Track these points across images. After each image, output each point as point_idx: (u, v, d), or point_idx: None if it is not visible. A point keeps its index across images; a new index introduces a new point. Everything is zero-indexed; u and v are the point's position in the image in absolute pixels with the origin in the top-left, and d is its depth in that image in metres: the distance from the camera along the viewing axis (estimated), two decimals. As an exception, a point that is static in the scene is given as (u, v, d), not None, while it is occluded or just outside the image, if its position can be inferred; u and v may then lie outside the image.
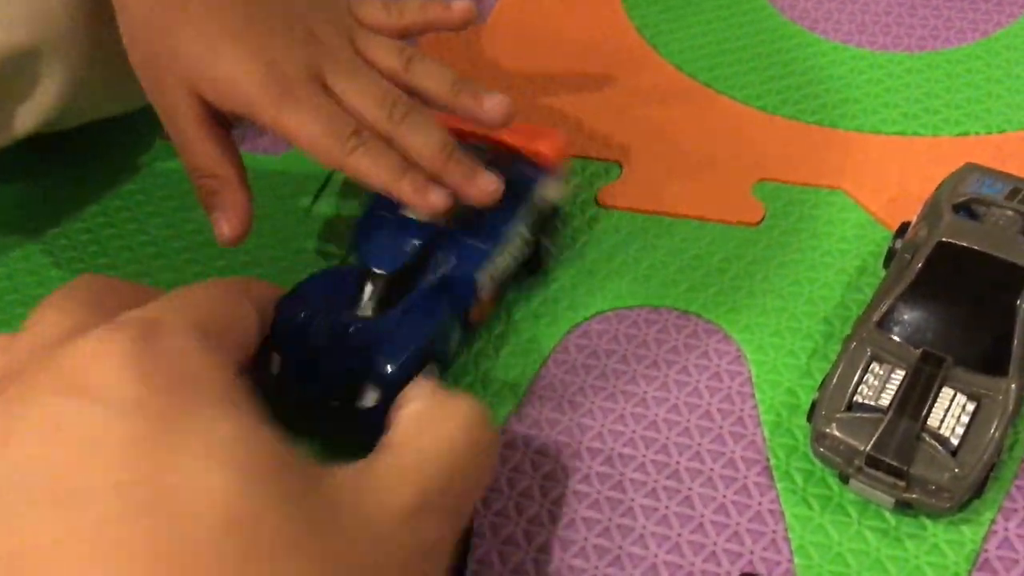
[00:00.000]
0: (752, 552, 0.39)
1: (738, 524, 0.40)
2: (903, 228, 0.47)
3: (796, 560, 0.39)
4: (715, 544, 0.39)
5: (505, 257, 0.46)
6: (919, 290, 0.41)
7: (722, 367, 0.46)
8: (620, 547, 0.39)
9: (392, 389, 0.37)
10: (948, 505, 0.37)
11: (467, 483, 0.34)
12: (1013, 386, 0.38)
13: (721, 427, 0.43)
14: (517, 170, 0.48)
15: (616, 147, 0.57)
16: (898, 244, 0.46)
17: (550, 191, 0.49)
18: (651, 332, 0.48)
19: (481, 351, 0.47)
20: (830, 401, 0.40)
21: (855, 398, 0.39)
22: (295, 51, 0.43)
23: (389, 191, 0.43)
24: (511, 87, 0.61)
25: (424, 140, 0.43)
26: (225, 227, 0.45)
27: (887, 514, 0.39)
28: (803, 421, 0.42)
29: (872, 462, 0.38)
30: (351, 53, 0.45)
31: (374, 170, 0.43)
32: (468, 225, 0.45)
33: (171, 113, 0.45)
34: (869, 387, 0.39)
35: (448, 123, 0.47)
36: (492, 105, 0.46)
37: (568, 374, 0.46)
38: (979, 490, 0.38)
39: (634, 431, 0.44)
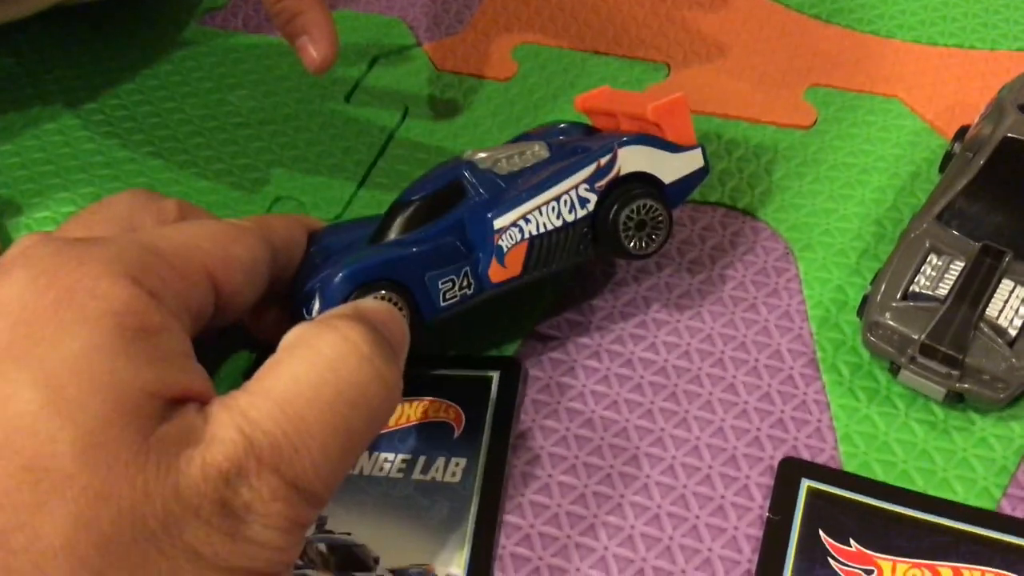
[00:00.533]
0: (796, 439, 0.38)
1: (782, 412, 0.39)
2: (961, 132, 0.45)
3: (841, 448, 0.38)
4: (759, 430, 0.39)
5: (548, 215, 0.38)
6: (981, 185, 0.40)
7: (769, 263, 0.45)
8: (663, 428, 0.39)
9: (329, 302, 0.35)
10: (1002, 396, 0.37)
11: (325, 432, 0.28)
12: None
13: (767, 320, 0.43)
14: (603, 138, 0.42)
15: (664, 49, 0.56)
16: (956, 148, 0.45)
17: (639, 161, 0.40)
18: (696, 228, 0.47)
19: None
20: (885, 291, 0.39)
21: (911, 288, 0.38)
22: None
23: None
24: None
25: None
26: (312, 51, 0.42)
27: (935, 407, 0.39)
28: (852, 317, 0.42)
29: (927, 351, 0.37)
30: None
31: None
32: (519, 175, 0.40)
33: None
34: (927, 278, 0.39)
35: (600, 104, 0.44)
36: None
37: (610, 266, 0.46)
38: None
39: (679, 320, 0.43)
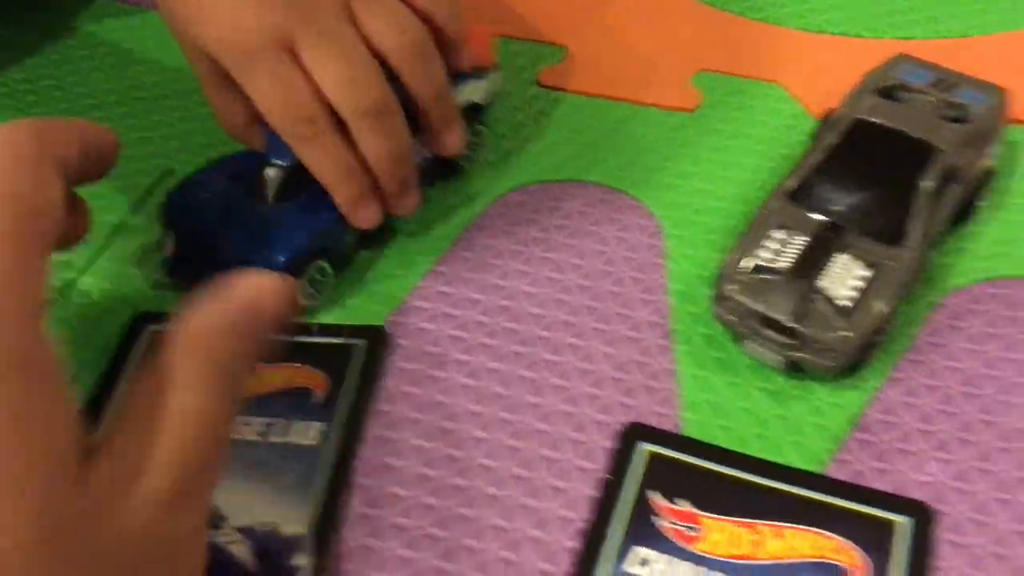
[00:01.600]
0: (644, 406, 0.40)
1: (634, 380, 0.41)
2: (829, 115, 0.47)
3: (686, 414, 0.40)
4: (608, 396, 0.40)
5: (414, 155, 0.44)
6: (831, 164, 0.42)
7: (641, 241, 0.46)
8: (519, 396, 0.41)
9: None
10: (834, 364, 0.38)
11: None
12: (908, 256, 0.39)
13: (631, 294, 0.44)
14: None
15: (561, 31, 0.57)
16: (817, 129, 0.47)
17: (468, 92, 0.48)
18: (575, 205, 0.48)
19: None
20: (732, 265, 0.40)
21: (756, 262, 0.40)
22: (269, 12, 0.40)
23: (327, 188, 0.42)
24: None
25: (380, 145, 0.42)
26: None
27: (777, 377, 0.40)
28: (709, 291, 0.43)
29: (766, 322, 0.39)
30: (333, 18, 0.41)
31: (318, 165, 0.41)
32: None
33: (195, 74, 0.44)
34: (771, 252, 0.40)
35: None
36: (451, 141, 0.46)
37: (489, 238, 0.47)
38: (865, 355, 0.39)
39: (547, 294, 0.44)
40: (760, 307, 0.39)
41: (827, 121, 0.46)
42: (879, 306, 0.38)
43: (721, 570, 0.35)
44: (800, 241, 0.40)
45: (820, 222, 0.40)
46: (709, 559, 0.35)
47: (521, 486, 0.38)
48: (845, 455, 0.38)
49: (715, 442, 0.39)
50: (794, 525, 0.36)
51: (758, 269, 0.40)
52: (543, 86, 0.54)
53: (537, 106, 0.53)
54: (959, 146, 0.42)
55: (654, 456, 0.38)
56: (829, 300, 0.38)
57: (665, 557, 0.35)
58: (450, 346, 0.42)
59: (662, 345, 0.42)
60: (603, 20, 0.58)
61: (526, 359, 0.42)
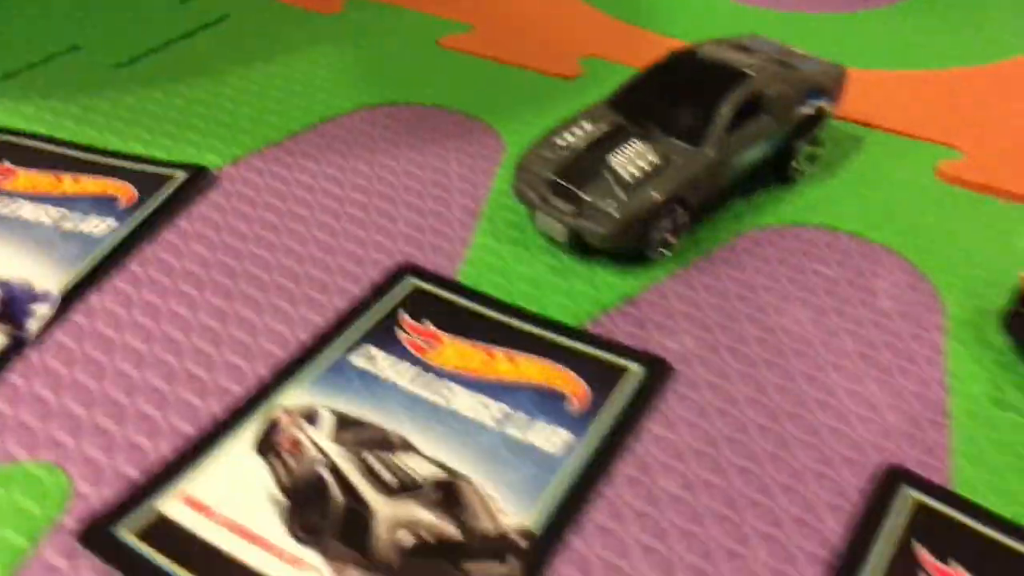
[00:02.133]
0: (429, 260, 0.41)
1: (431, 241, 0.42)
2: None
3: (464, 268, 0.40)
4: (400, 250, 0.41)
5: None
6: (651, 82, 0.44)
7: (483, 158, 0.48)
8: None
9: None
10: (604, 231, 0.39)
11: None
12: (700, 157, 0.41)
13: (454, 192, 0.46)
14: None
15: (469, 11, 0.62)
16: None
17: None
18: (433, 126, 0.51)
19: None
20: (536, 145, 0.42)
21: (557, 142, 0.42)
22: None
23: None
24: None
25: None
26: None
27: (565, 257, 0.41)
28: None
29: (554, 187, 0.40)
30: None
31: None
32: None
33: None
34: (573, 135, 0.42)
35: None
36: None
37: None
38: (639, 237, 0.40)
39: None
40: (548, 173, 0.40)
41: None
42: (655, 191, 0.39)
43: (449, 378, 0.34)
44: (602, 127, 0.42)
45: (624, 116, 0.42)
46: (437, 368, 0.35)
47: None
48: (605, 319, 0.38)
49: (483, 290, 0.39)
50: (525, 354, 0.35)
51: (560, 148, 0.41)
52: (442, 47, 0.58)
53: (439, 63, 0.57)
54: (771, 79, 0.44)
55: (416, 289, 0.38)
56: (614, 174, 0.40)
57: (401, 363, 0.35)
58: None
59: (466, 222, 0.43)
60: (508, 7, 0.63)
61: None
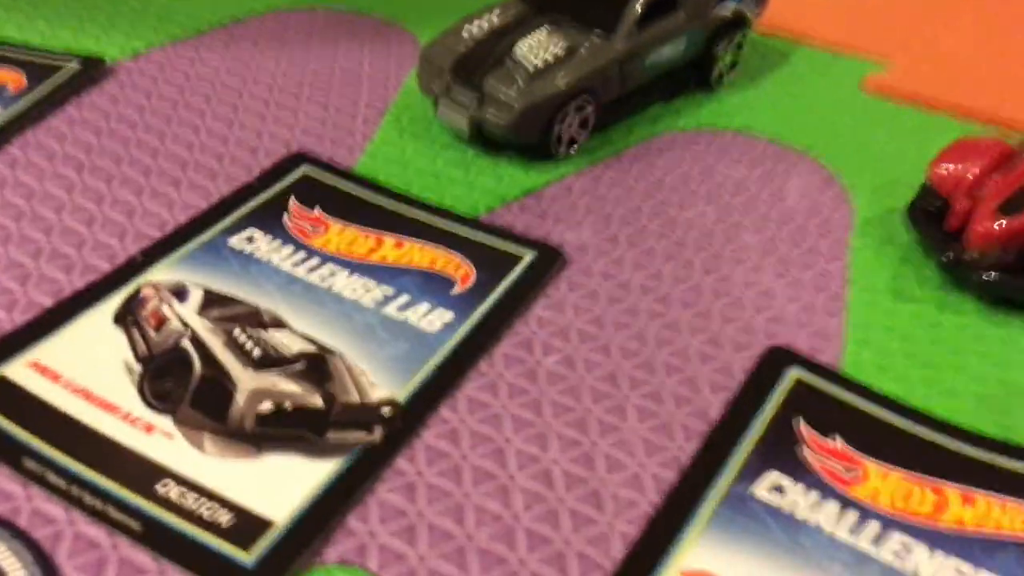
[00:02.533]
0: (327, 150, 0.39)
1: (332, 136, 0.40)
2: None
3: (363, 159, 0.39)
4: (299, 142, 0.40)
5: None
6: None
7: (391, 55, 0.47)
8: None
9: None
10: (506, 122, 0.37)
11: None
12: (607, 46, 0.39)
13: (363, 91, 0.44)
14: None
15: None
16: None
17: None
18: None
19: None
20: (442, 35, 0.40)
21: (463, 33, 0.40)
22: None
23: None
24: None
25: None
26: None
27: (469, 151, 0.40)
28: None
29: (455, 76, 0.38)
30: None
31: None
32: None
33: None
34: (479, 26, 0.40)
35: None
36: None
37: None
38: (541, 128, 0.38)
39: (286, 78, 0.44)
40: (450, 61, 0.39)
41: None
42: (559, 80, 0.38)
43: (332, 261, 0.32)
44: (509, 16, 0.40)
45: (535, 6, 0.41)
46: (320, 251, 0.33)
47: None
48: (503, 211, 0.37)
49: (378, 180, 0.38)
50: (414, 239, 0.34)
51: (461, 37, 0.40)
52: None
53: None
54: None
55: (307, 178, 0.37)
56: (517, 63, 0.38)
57: (284, 247, 0.33)
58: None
59: (369, 119, 0.42)
60: None
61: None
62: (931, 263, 0.36)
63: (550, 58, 0.39)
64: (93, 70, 0.42)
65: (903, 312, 0.33)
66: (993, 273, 0.33)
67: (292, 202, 0.35)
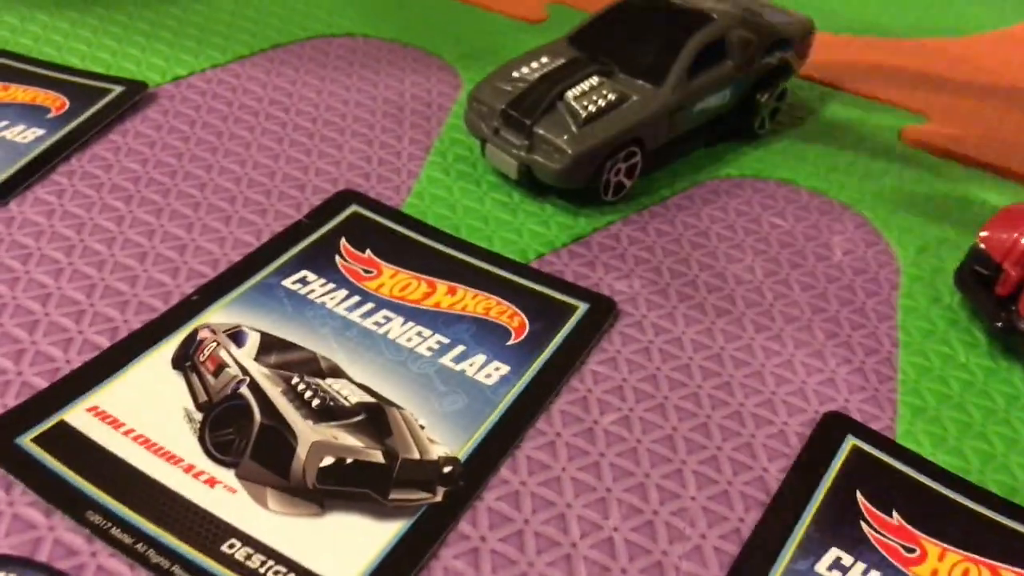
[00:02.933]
0: (374, 189, 0.39)
1: (378, 172, 0.40)
2: None
3: (411, 199, 0.38)
4: (345, 178, 0.39)
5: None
6: (614, 22, 0.43)
7: (440, 86, 0.47)
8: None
9: None
10: (558, 166, 0.37)
11: None
12: (657, 96, 0.39)
13: (406, 125, 0.44)
14: None
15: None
16: None
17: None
18: (385, 58, 0.49)
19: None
20: (491, 76, 0.40)
21: (513, 74, 0.40)
22: None
23: None
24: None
25: None
26: None
27: (516, 194, 0.39)
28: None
29: (506, 118, 0.38)
30: None
31: None
32: None
33: None
34: (529, 68, 0.40)
35: None
36: None
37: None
38: (591, 174, 0.38)
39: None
40: (501, 104, 0.39)
41: None
42: (610, 127, 0.38)
43: (386, 306, 0.32)
44: (559, 61, 0.40)
45: (584, 52, 0.41)
46: (374, 295, 0.33)
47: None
48: (553, 258, 0.37)
49: (427, 221, 0.37)
50: (467, 286, 0.34)
51: (511, 79, 0.40)
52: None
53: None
54: (736, 24, 0.42)
55: (357, 216, 0.37)
56: (570, 109, 0.38)
57: (337, 288, 0.33)
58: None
59: (415, 155, 0.41)
60: None
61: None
62: (979, 327, 0.36)
63: (602, 103, 0.39)
64: (136, 95, 0.42)
65: (955, 380, 0.34)
66: None
67: (343, 243, 0.35)
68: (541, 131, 0.38)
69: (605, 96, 0.39)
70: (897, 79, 0.52)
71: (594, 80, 0.40)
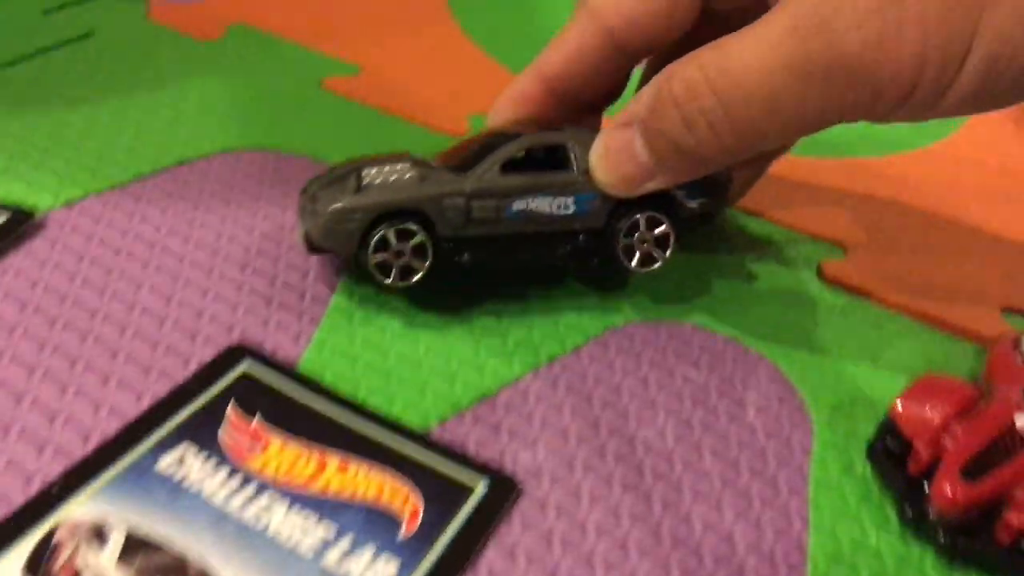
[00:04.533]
0: (271, 338, 0.37)
1: (278, 318, 0.38)
2: None
3: (309, 352, 0.36)
4: (242, 325, 0.37)
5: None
6: (460, 143, 0.41)
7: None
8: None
9: None
10: (319, 223, 0.37)
11: None
12: (461, 177, 0.37)
13: (312, 258, 0.42)
14: None
15: (358, 51, 0.59)
16: None
17: None
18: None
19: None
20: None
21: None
22: None
23: None
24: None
25: None
26: None
27: (421, 346, 0.38)
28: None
29: (302, 192, 0.39)
30: None
31: None
32: None
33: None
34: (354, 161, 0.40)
35: None
36: None
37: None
38: (360, 246, 0.36)
39: (231, 236, 0.42)
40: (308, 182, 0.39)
41: None
42: (380, 193, 0.37)
43: (271, 489, 0.30)
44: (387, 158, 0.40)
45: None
46: (257, 477, 0.31)
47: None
48: (456, 422, 0.35)
49: (327, 380, 0.35)
50: (360, 460, 0.32)
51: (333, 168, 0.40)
52: (327, 90, 0.55)
53: (320, 106, 0.53)
54: (585, 136, 0.39)
55: (247, 376, 0.35)
56: (357, 179, 0.38)
57: (217, 470, 0.31)
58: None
59: (318, 295, 0.39)
60: (396, 47, 0.61)
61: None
62: (892, 503, 0.35)
63: (391, 179, 0.38)
64: (21, 223, 0.39)
65: (865, 568, 0.32)
66: (956, 538, 0.32)
67: (230, 410, 0.33)
68: (320, 194, 0.38)
69: (400, 173, 0.38)
70: (817, 203, 0.52)
71: (400, 165, 0.38)
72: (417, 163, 0.39)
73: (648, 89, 0.35)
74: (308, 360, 0.36)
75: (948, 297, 0.46)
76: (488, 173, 0.38)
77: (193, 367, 0.35)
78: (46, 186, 0.43)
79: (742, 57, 0.32)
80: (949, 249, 0.50)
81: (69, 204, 0.42)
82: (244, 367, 0.35)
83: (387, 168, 0.38)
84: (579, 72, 0.41)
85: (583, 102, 0.43)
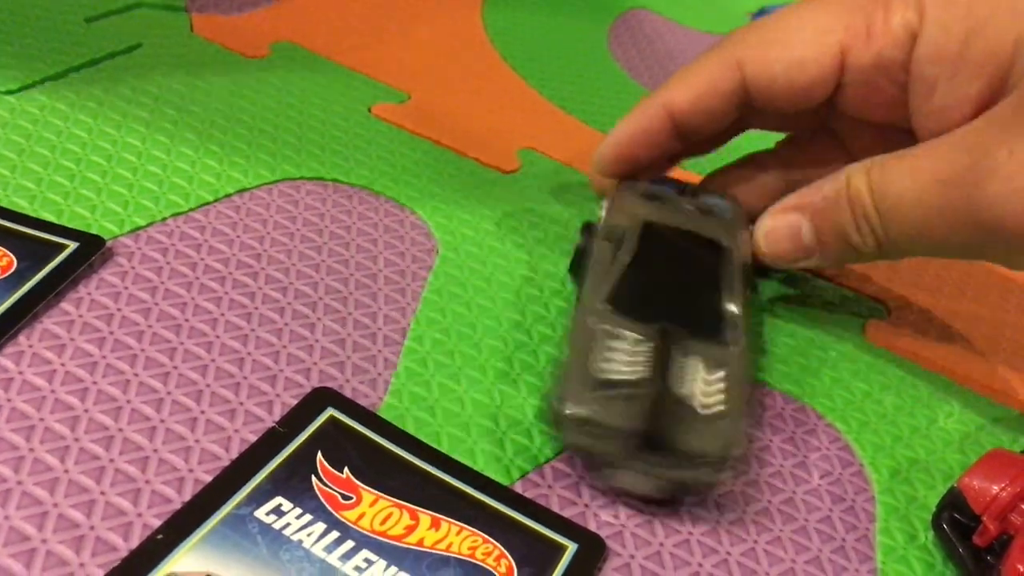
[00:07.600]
0: (349, 382, 0.37)
1: (353, 361, 0.38)
2: (587, 227, 0.45)
3: (388, 398, 0.37)
4: (319, 368, 0.37)
5: None
6: (636, 269, 0.39)
7: (417, 249, 0.45)
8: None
9: None
10: (717, 476, 0.34)
11: None
12: (740, 352, 0.37)
13: (380, 299, 0.42)
14: None
15: (406, 79, 0.58)
16: (585, 242, 0.44)
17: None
18: (361, 212, 0.47)
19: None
20: (575, 381, 0.35)
21: (599, 376, 0.35)
22: None
23: None
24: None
25: None
26: None
27: (493, 390, 0.38)
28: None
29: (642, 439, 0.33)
30: None
31: None
32: None
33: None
34: (616, 362, 0.35)
35: None
36: None
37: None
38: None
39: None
40: (619, 422, 0.33)
41: (592, 232, 0.44)
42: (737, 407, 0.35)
43: (367, 544, 0.30)
44: (641, 349, 0.36)
45: (653, 328, 0.36)
46: (355, 530, 0.31)
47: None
48: (537, 477, 0.35)
49: (408, 429, 0.35)
50: (451, 518, 0.32)
51: (607, 384, 0.34)
52: (376, 116, 0.54)
53: (369, 135, 0.53)
54: (736, 242, 0.42)
55: (333, 421, 0.34)
56: (692, 408, 0.34)
57: (315, 521, 0.31)
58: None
59: (390, 339, 0.39)
60: (442, 73, 0.61)
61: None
62: (954, 573, 0.36)
63: (716, 386, 0.36)
64: (91, 252, 0.39)
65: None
66: None
67: (320, 458, 0.33)
68: (686, 447, 0.34)
69: (710, 379, 0.36)
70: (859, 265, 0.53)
71: (691, 363, 0.36)
72: (683, 347, 0.36)
73: (826, 183, 0.39)
74: (389, 407, 0.36)
75: (988, 360, 0.47)
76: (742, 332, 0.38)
77: (277, 409, 0.35)
78: (109, 212, 0.42)
79: (900, 184, 0.37)
80: (987, 303, 0.52)
81: (135, 231, 0.41)
82: (330, 412, 0.35)
83: (690, 374, 0.35)
84: (706, 110, 0.43)
85: (694, 142, 0.45)
